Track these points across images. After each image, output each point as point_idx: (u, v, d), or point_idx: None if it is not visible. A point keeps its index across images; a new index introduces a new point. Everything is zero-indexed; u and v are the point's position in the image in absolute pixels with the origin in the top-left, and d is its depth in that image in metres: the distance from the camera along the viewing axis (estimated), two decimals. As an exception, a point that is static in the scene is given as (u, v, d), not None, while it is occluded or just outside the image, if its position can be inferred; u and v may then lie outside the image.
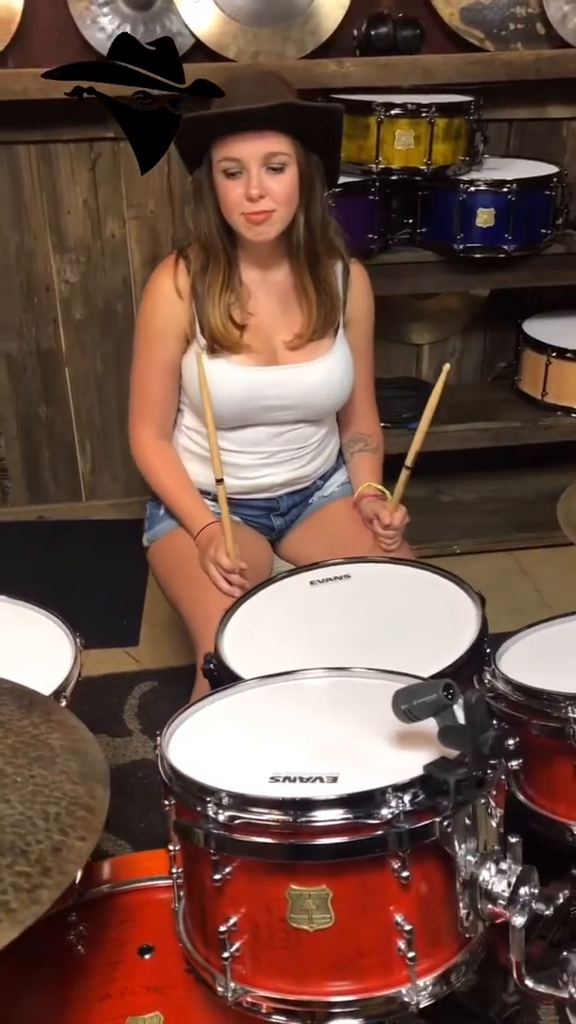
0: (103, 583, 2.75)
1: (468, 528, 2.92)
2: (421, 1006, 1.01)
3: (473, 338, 3.06)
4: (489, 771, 1.03)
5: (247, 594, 1.66)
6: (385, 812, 0.97)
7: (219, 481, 1.73)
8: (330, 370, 1.83)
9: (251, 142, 1.64)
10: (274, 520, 1.97)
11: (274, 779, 1.04)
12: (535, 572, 2.82)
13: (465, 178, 2.45)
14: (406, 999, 1.01)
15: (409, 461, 1.76)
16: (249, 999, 1.03)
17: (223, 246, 1.75)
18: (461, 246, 2.48)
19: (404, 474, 1.78)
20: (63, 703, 1.37)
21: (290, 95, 1.68)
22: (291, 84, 1.76)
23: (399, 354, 3.03)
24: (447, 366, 1.69)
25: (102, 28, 2.51)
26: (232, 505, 1.85)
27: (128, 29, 2.50)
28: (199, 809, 1.02)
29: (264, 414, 1.82)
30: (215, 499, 1.89)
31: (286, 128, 1.65)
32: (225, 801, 1.00)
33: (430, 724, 1.04)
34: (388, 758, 1.07)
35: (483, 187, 2.44)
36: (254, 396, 1.79)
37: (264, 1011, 1.03)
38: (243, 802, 1.00)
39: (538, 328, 2.85)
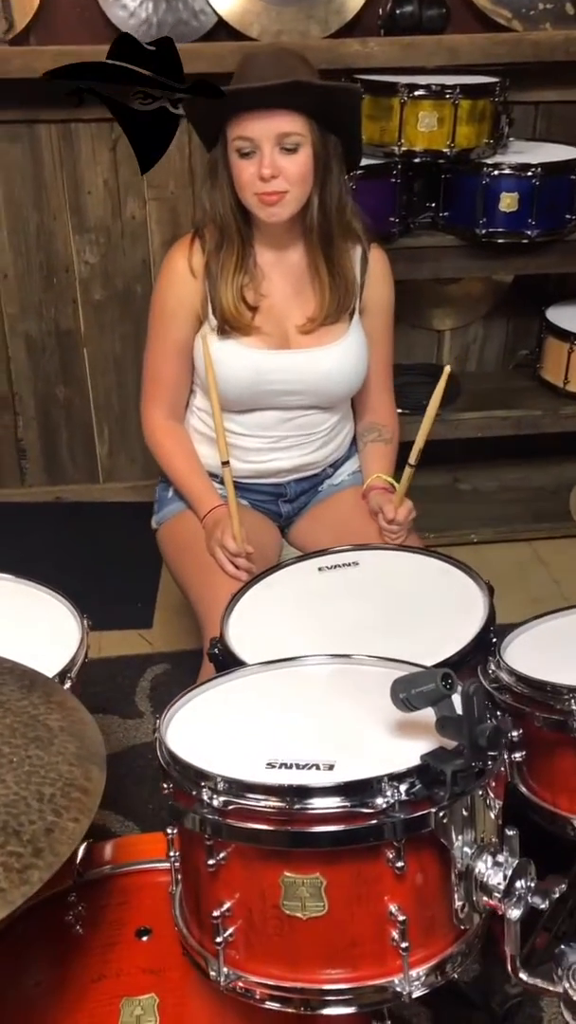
0: (118, 565, 2.75)
1: (486, 517, 2.89)
2: (414, 996, 1.00)
3: (495, 324, 3.02)
4: (488, 762, 1.02)
5: (254, 579, 1.66)
6: (381, 801, 0.96)
7: (225, 463, 1.72)
8: (343, 356, 1.81)
9: (264, 121, 1.62)
10: (282, 506, 1.95)
11: (270, 765, 1.04)
12: (553, 562, 2.79)
13: (489, 161, 2.41)
14: (399, 989, 1.00)
15: (413, 459, 1.74)
16: (241, 984, 1.03)
17: (237, 226, 1.73)
18: (484, 231, 2.44)
19: (408, 472, 1.75)
20: (68, 685, 1.38)
21: (308, 74, 1.66)
22: (311, 63, 1.73)
23: (420, 340, 3.00)
24: (448, 368, 1.66)
25: (124, 6, 2.49)
26: (239, 489, 1.85)
27: (150, 8, 2.48)
28: (194, 794, 1.02)
29: (273, 398, 1.81)
30: (223, 482, 1.88)
31: (300, 107, 1.62)
32: (220, 786, 1.00)
33: (429, 714, 1.02)
34: (386, 746, 1.06)
35: (507, 171, 2.40)
36: (263, 379, 1.78)
37: (258, 997, 1.03)
38: (238, 788, 0.99)
39: (561, 315, 2.81)
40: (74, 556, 2.72)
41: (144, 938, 1.22)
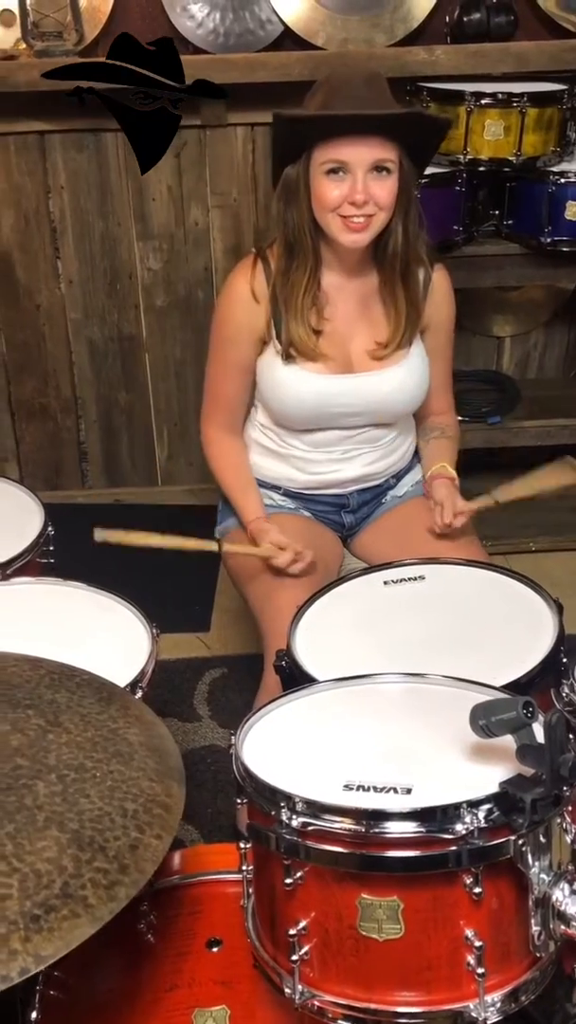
0: (176, 568, 2.76)
1: (545, 525, 2.87)
2: (489, 1023, 1.01)
3: (557, 331, 2.99)
4: (566, 789, 1.02)
5: (319, 592, 1.66)
6: (459, 828, 0.97)
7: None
8: (406, 377, 1.81)
9: (361, 146, 1.61)
10: (344, 517, 1.96)
11: (348, 787, 1.05)
12: (614, 573, 2.76)
13: (555, 169, 2.39)
14: (474, 1015, 1.01)
15: (500, 497, 1.76)
16: (316, 1003, 1.04)
17: (312, 246, 1.72)
18: (549, 239, 2.42)
19: (487, 502, 1.76)
20: (139, 694, 1.40)
21: (394, 99, 1.66)
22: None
23: (480, 346, 2.99)
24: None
25: (192, 16, 2.51)
26: (302, 500, 1.90)
27: (218, 17, 2.50)
28: (272, 813, 1.03)
29: (336, 420, 1.81)
30: (285, 493, 1.92)
31: (396, 135, 1.62)
32: (299, 807, 1.01)
33: (506, 738, 1.03)
34: (462, 770, 1.07)
35: (573, 179, 2.37)
36: (327, 404, 1.78)
37: (330, 1016, 1.04)
38: (317, 809, 1.00)
39: (624, 323, 2.78)
40: (132, 558, 2.72)
41: (215, 949, 1.24)
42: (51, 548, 1.81)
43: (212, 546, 1.78)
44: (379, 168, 1.63)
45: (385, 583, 1.66)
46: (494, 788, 0.99)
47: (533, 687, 1.35)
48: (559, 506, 2.96)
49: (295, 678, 1.42)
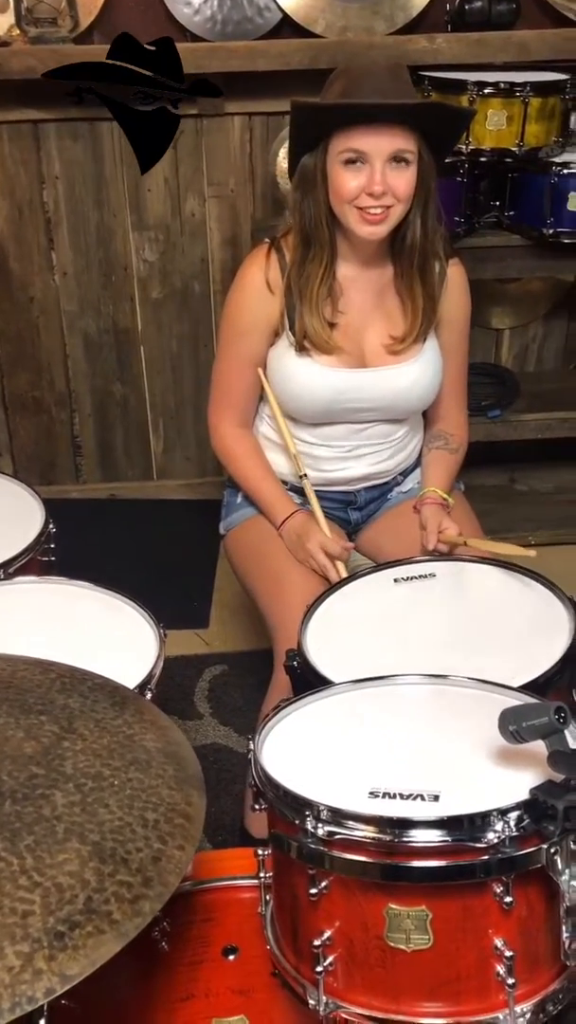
0: (173, 564, 2.75)
1: (544, 519, 2.85)
2: (518, 1032, 0.99)
3: (556, 324, 2.97)
4: (596, 795, 0.99)
5: (328, 589, 1.64)
6: (491, 836, 0.95)
7: (303, 476, 1.74)
8: (420, 373, 1.78)
9: (380, 136, 1.57)
10: (351, 514, 1.93)
11: (373, 794, 1.02)
12: (613, 567, 2.75)
13: (557, 160, 2.37)
14: (503, 1025, 0.99)
15: (470, 544, 1.72)
16: (342, 1015, 1.02)
17: (328, 237, 1.69)
18: (551, 230, 2.40)
19: (459, 540, 1.72)
20: (148, 696, 1.37)
21: (412, 88, 1.63)
22: None
23: (478, 339, 2.96)
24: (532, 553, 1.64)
25: (188, 3, 2.46)
26: None
27: (215, 4, 2.45)
28: (296, 822, 1.01)
29: (348, 414, 1.78)
30: (292, 489, 1.88)
31: (416, 125, 1.59)
32: (324, 815, 0.99)
33: (535, 743, 1.00)
34: (491, 776, 1.05)
35: (576, 170, 2.36)
36: (341, 398, 1.75)
37: (355, 1026, 1.02)
38: (343, 817, 0.98)
39: (624, 316, 2.77)
40: (129, 554, 2.72)
41: (231, 957, 1.22)
42: (52, 546, 1.77)
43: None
44: (398, 159, 1.60)
45: (395, 580, 1.64)
46: (524, 795, 0.97)
47: (549, 687, 1.33)
48: (559, 500, 2.95)
49: (307, 679, 1.40)
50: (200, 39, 2.48)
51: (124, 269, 2.76)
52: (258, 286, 1.75)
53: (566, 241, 2.42)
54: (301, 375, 1.73)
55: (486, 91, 2.27)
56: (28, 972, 0.80)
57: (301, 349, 1.73)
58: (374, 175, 1.59)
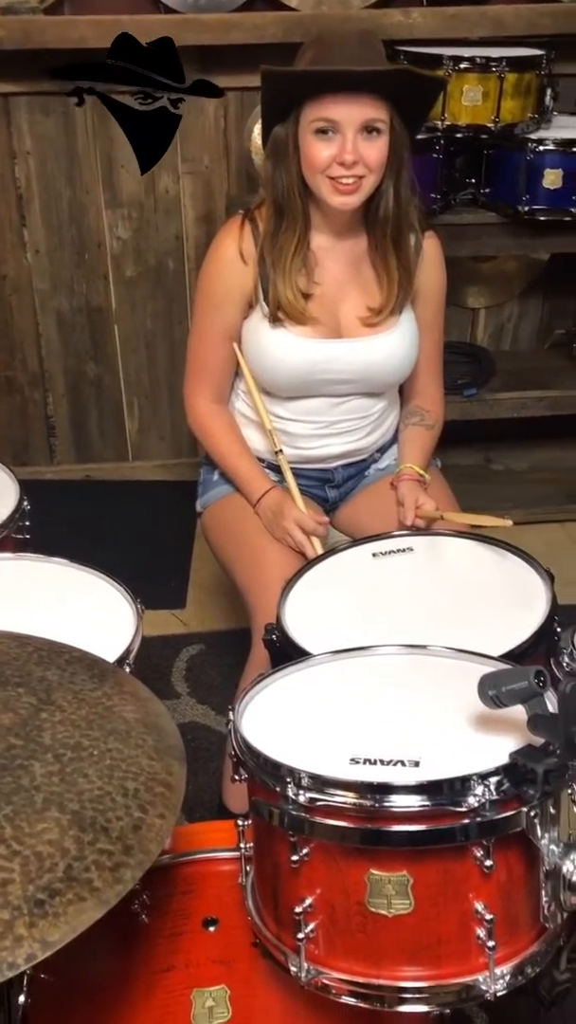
0: (149, 544, 2.74)
1: (519, 498, 2.87)
2: (498, 995, 0.99)
3: (531, 303, 2.98)
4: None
5: (307, 564, 1.64)
6: (471, 800, 0.95)
7: (278, 452, 1.74)
8: (396, 345, 1.78)
9: (352, 105, 1.56)
10: (328, 492, 1.93)
11: (354, 761, 1.02)
12: (587, 545, 2.77)
13: (533, 137, 2.36)
14: (483, 987, 0.99)
15: (446, 518, 1.72)
16: (323, 980, 1.02)
17: (302, 207, 1.68)
18: (526, 208, 2.40)
19: (435, 515, 1.71)
20: (128, 671, 1.36)
21: (387, 59, 1.62)
22: None
23: (454, 318, 2.95)
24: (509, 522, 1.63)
25: (161, -26, 2.43)
26: None
27: (189, -25, 2.42)
28: (278, 789, 1.00)
29: (324, 387, 1.77)
30: (269, 466, 1.87)
31: (387, 94, 1.58)
32: (305, 782, 0.99)
33: (514, 709, 1.01)
34: (470, 742, 1.05)
35: (551, 147, 2.35)
36: (316, 369, 1.74)
37: (335, 993, 1.02)
38: (324, 784, 0.98)
39: (599, 294, 2.78)
40: (104, 535, 2.70)
41: (211, 928, 1.21)
42: (27, 523, 1.75)
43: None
44: (369, 128, 1.59)
45: (374, 555, 1.64)
46: (504, 759, 0.98)
47: (527, 657, 1.34)
48: (534, 479, 2.97)
49: (286, 652, 1.40)
50: (173, 11, 2.45)
51: (97, 246, 2.73)
52: (231, 257, 1.73)
53: (541, 218, 2.42)
54: (275, 347, 1.72)
55: (462, 66, 2.26)
56: (8, 939, 0.80)
57: (275, 320, 1.72)
58: (345, 144, 1.58)
